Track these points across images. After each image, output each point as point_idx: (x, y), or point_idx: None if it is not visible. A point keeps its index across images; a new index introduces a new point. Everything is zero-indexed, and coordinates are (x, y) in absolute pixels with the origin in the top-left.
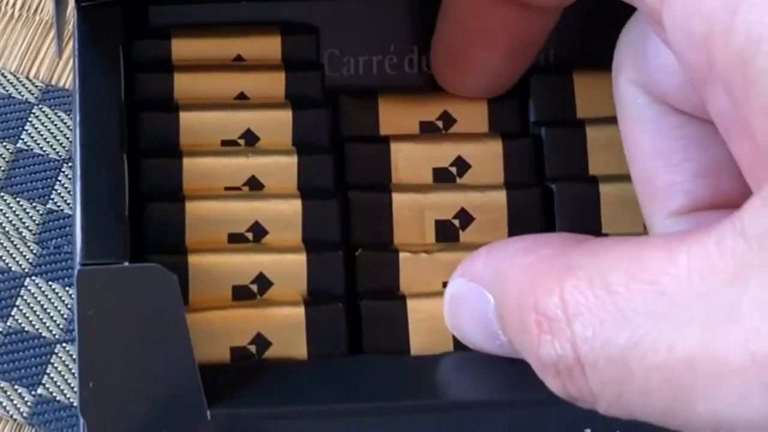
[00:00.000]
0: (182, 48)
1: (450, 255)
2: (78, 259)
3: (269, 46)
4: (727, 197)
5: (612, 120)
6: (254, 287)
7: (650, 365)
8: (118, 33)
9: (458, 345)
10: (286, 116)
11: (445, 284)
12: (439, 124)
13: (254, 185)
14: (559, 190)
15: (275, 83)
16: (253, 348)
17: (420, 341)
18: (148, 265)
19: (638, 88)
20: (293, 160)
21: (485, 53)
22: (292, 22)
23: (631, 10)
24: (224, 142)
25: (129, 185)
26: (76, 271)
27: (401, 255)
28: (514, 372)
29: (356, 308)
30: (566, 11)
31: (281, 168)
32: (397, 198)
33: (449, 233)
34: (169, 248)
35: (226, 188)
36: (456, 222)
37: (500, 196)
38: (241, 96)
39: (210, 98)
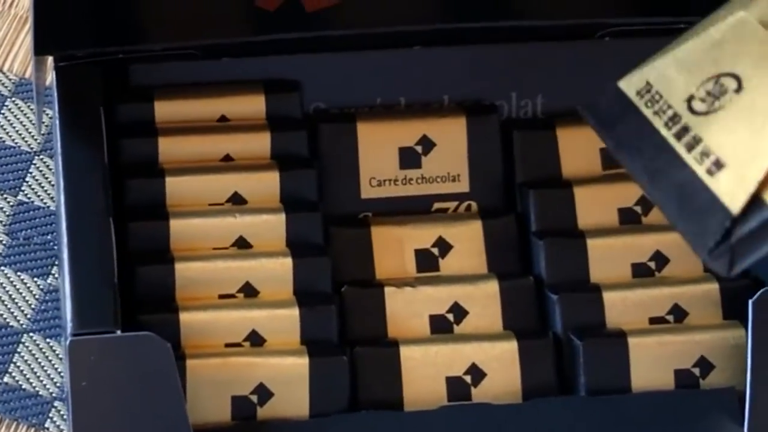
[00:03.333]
0: (165, 110)
1: (433, 288)
2: (69, 329)
3: (253, 105)
4: None
5: (599, 179)
6: (247, 344)
7: None
8: (99, 93)
9: (452, 395)
10: (273, 177)
11: (432, 317)
12: (419, 149)
13: (242, 245)
14: (547, 243)
15: (261, 144)
16: (254, 398)
17: (413, 391)
18: (141, 334)
19: None
20: (281, 217)
21: None
22: (274, 78)
23: (627, 57)
24: (212, 206)
25: (117, 248)
26: (67, 342)
27: (386, 290)
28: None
29: (350, 355)
30: (559, 57)
31: (269, 226)
32: (376, 231)
33: (429, 263)
34: (159, 308)
35: (215, 249)
36: (435, 251)
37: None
38: (227, 158)
39: (196, 161)
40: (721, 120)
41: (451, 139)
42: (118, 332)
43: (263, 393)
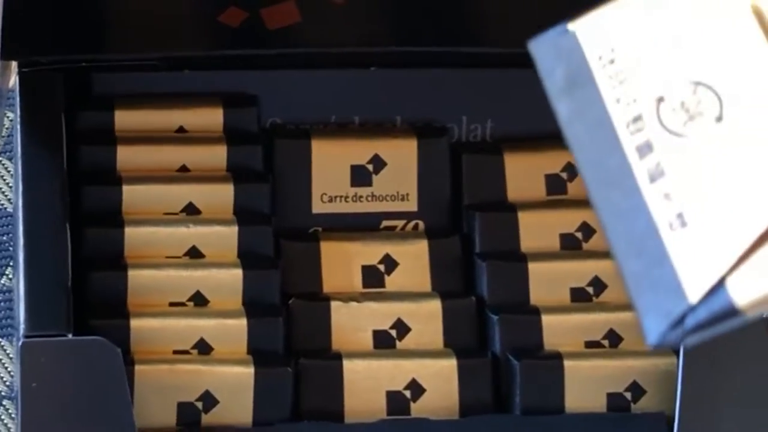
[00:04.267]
0: (125, 119)
1: (378, 304)
2: (21, 330)
3: (211, 118)
4: None
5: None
6: (194, 352)
7: None
8: (61, 99)
9: (391, 409)
10: (227, 189)
11: (376, 332)
12: (370, 167)
13: (195, 254)
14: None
15: (217, 156)
16: (200, 405)
17: (354, 403)
18: (92, 339)
19: None
20: (233, 229)
21: None
22: (233, 92)
23: None
24: (167, 215)
25: (72, 254)
26: (19, 343)
27: (332, 303)
28: None
29: (294, 366)
30: (509, 83)
31: (221, 237)
32: (325, 246)
33: (375, 279)
34: (111, 314)
35: (168, 257)
36: (381, 267)
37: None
38: (184, 168)
39: (152, 170)
40: (691, 154)
41: (401, 159)
42: (70, 336)
43: (208, 400)
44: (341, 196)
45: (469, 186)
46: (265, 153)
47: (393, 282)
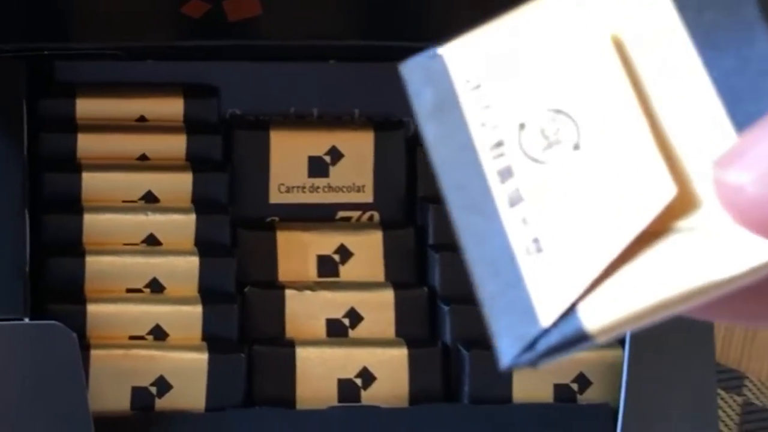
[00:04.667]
0: (87, 107)
1: (332, 293)
2: None
3: (172, 107)
4: None
5: None
6: (150, 338)
7: None
8: (23, 87)
9: (342, 396)
10: (186, 178)
11: (329, 321)
12: (327, 159)
13: (152, 242)
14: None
15: (177, 145)
16: (154, 389)
17: (306, 390)
18: (48, 323)
19: None
20: (191, 218)
21: None
22: (194, 83)
23: None
24: (125, 203)
25: (31, 240)
26: None
27: (287, 292)
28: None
29: (248, 353)
30: None
31: (179, 225)
32: (282, 235)
33: (330, 268)
34: (68, 299)
35: (126, 244)
36: (336, 257)
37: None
38: (143, 157)
39: (112, 158)
40: (550, 181)
41: (358, 151)
42: (27, 320)
43: (162, 385)
44: (298, 187)
45: (424, 178)
46: (224, 143)
47: (347, 272)
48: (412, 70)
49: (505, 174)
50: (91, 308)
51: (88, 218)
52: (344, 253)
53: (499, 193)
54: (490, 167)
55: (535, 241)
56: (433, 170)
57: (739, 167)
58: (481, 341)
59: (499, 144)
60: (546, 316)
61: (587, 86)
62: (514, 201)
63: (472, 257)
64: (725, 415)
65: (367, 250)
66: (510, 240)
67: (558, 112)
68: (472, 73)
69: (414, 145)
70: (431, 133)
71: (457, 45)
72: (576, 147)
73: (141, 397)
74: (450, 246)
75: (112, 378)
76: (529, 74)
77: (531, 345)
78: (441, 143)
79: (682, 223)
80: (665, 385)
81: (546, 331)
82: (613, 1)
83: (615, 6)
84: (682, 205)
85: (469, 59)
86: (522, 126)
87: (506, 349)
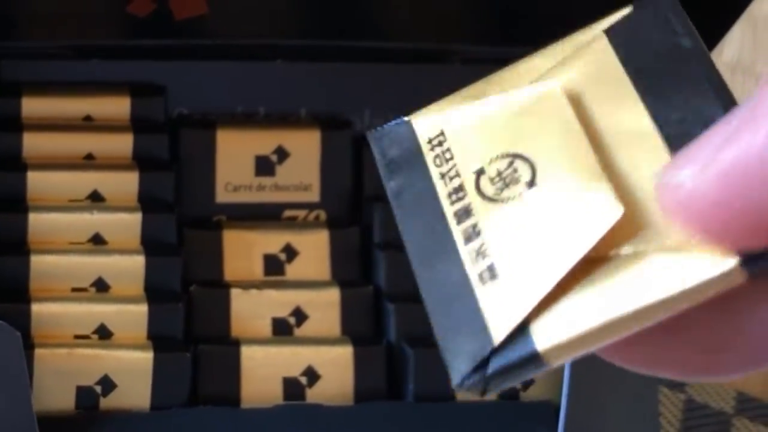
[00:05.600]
0: (33, 106)
1: (277, 292)
2: None
3: (118, 107)
4: None
5: None
6: (95, 337)
7: None
8: None
9: (287, 395)
10: (132, 178)
11: (274, 320)
12: (274, 158)
13: (98, 241)
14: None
15: (123, 145)
16: (98, 389)
17: (251, 389)
18: None
19: None
20: (137, 217)
21: None
22: (140, 82)
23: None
24: (71, 202)
25: None
26: None
27: (233, 291)
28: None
29: (193, 352)
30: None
31: (125, 225)
32: (228, 234)
33: (276, 267)
34: (12, 298)
35: (71, 243)
36: (282, 256)
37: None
38: (89, 156)
39: (58, 158)
40: (506, 217)
41: (305, 151)
42: None
43: (107, 384)
44: (245, 186)
45: (370, 178)
46: (171, 142)
47: (293, 270)
48: (380, 136)
49: (463, 214)
50: (36, 307)
51: (33, 217)
52: (290, 252)
53: (457, 232)
54: (449, 210)
55: (490, 268)
56: (395, 220)
57: (677, 167)
58: (425, 339)
59: (459, 189)
60: (497, 335)
61: (542, 131)
62: (472, 237)
63: (429, 299)
64: (668, 412)
65: (313, 249)
66: (467, 272)
67: (515, 156)
68: (436, 133)
69: (360, 144)
70: (395, 185)
71: (423, 112)
72: (531, 184)
73: (86, 396)
74: (395, 245)
75: (57, 377)
76: (489, 127)
77: (482, 364)
78: (403, 193)
79: (632, 245)
80: (607, 383)
81: (497, 351)
82: (563, 62)
83: (565, 64)
84: (632, 228)
85: (433, 122)
86: (480, 172)
87: (457, 367)
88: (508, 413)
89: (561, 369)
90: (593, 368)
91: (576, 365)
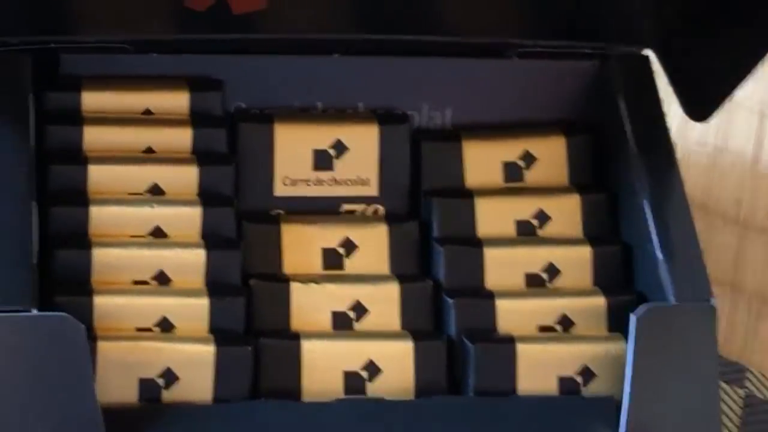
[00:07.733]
0: (92, 100)
1: (337, 286)
2: None
3: (177, 101)
4: None
5: (499, 191)
6: (157, 329)
7: None
8: (28, 80)
9: (348, 389)
10: (192, 171)
11: (334, 313)
12: (332, 152)
13: (158, 234)
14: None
15: (182, 138)
16: (161, 381)
17: (312, 382)
18: (56, 314)
19: None
20: (197, 210)
21: None
22: (199, 76)
23: (531, 77)
24: (131, 195)
25: (38, 232)
26: None
27: (292, 285)
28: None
29: (254, 345)
30: (469, 72)
31: (185, 218)
32: (286, 228)
33: (335, 261)
34: (75, 291)
35: (132, 236)
36: (341, 250)
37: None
38: (149, 150)
39: (118, 151)
40: None
41: (363, 145)
42: (34, 311)
43: (169, 377)
44: (303, 180)
45: (428, 172)
46: (229, 136)
47: (352, 265)
48: None
49: None
50: (98, 300)
51: (95, 210)
52: (349, 246)
53: None
54: None
55: None
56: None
57: None
58: (484, 333)
59: None
60: None
61: None
62: None
63: None
64: (727, 408)
65: (372, 244)
66: None
67: None
68: None
69: (418, 138)
70: None
71: None
72: None
73: (148, 388)
74: (454, 239)
75: (120, 370)
76: None
77: None
78: None
79: None
80: (668, 378)
81: None
82: None
83: None
84: None
85: None
86: None
87: None
88: (569, 409)
89: (623, 364)
90: (655, 364)
91: (638, 361)
